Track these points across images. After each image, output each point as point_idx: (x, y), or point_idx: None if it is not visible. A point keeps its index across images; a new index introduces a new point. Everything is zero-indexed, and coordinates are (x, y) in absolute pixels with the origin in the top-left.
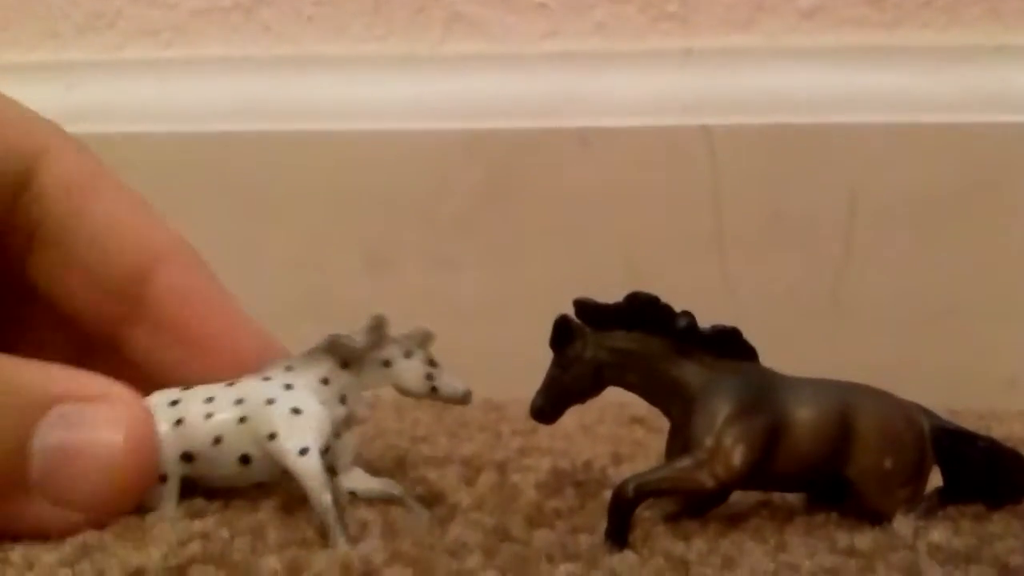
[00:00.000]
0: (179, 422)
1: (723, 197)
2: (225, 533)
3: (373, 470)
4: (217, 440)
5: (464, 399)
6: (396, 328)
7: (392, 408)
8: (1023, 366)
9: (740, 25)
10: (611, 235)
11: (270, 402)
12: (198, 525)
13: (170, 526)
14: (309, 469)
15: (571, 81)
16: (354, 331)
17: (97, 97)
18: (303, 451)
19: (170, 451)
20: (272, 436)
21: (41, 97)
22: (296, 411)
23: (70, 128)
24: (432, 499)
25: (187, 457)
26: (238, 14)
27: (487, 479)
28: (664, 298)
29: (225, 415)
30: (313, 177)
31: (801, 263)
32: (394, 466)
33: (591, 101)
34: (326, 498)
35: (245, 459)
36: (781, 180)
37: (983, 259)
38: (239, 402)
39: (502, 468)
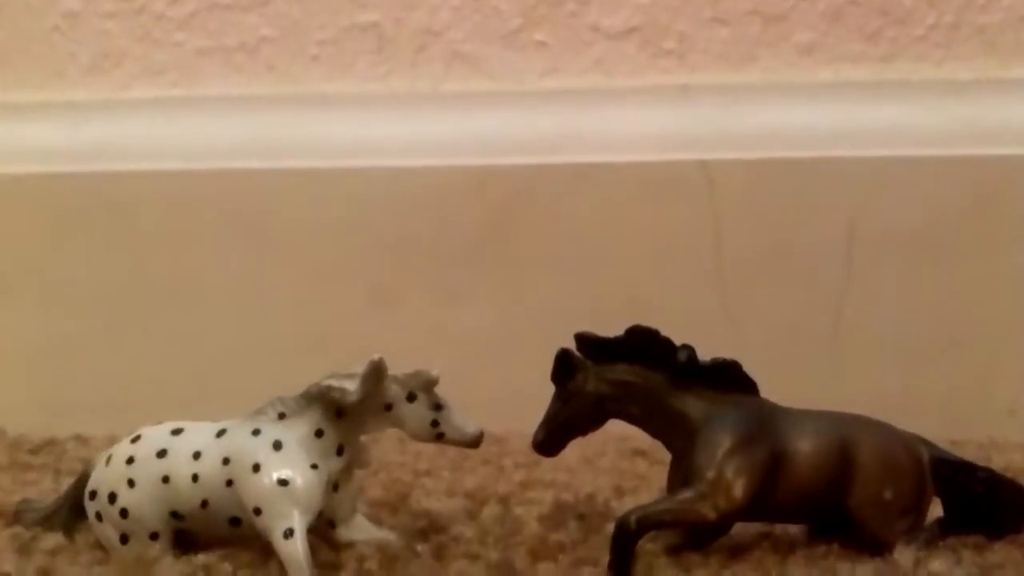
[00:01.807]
0: (166, 479)
1: (723, 230)
2: (228, 567)
3: (376, 504)
4: (204, 503)
5: (474, 442)
6: (400, 362)
7: (395, 441)
8: (1022, 396)
9: (737, 61)
10: (612, 268)
11: (256, 469)
12: (201, 559)
13: (172, 560)
14: (292, 554)
15: (571, 118)
16: (352, 370)
17: (103, 136)
18: (287, 533)
19: (158, 509)
20: (257, 511)
21: (48, 136)
22: (282, 483)
23: (77, 166)
24: (435, 532)
25: (176, 515)
26: (242, 54)
27: (490, 512)
28: (665, 331)
29: (211, 477)
30: (318, 214)
31: (801, 295)
32: (397, 500)
33: (591, 137)
34: None
35: (235, 521)
36: (780, 213)
37: (981, 290)
38: (226, 462)
39: (505, 501)
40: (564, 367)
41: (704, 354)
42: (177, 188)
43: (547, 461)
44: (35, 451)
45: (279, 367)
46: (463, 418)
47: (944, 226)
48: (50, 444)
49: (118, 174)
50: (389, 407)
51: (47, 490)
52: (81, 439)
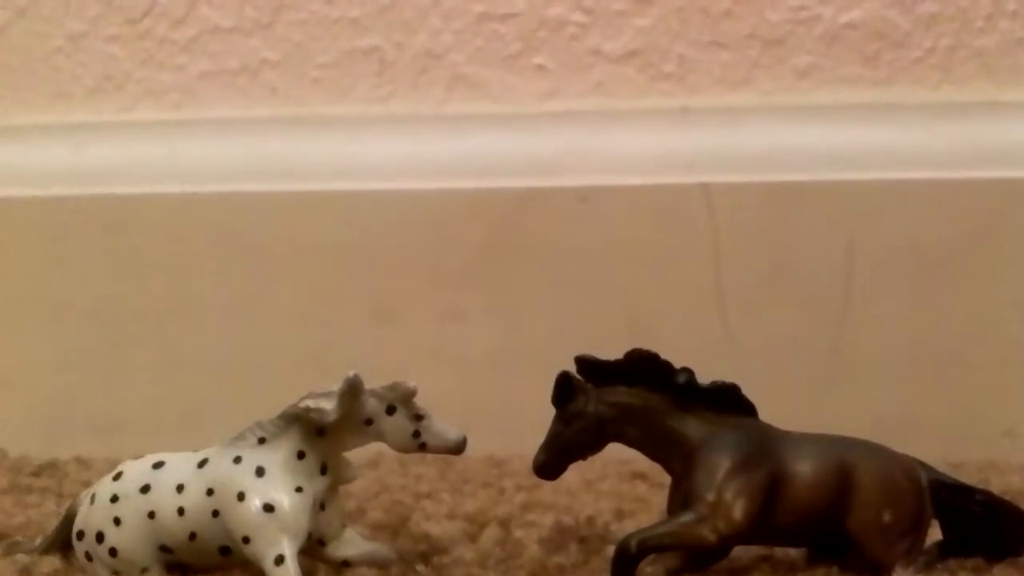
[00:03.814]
0: (152, 515)
1: (722, 252)
2: None
3: (376, 527)
4: (193, 536)
5: (457, 448)
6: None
7: (395, 464)
8: (1021, 417)
9: (736, 84)
10: (612, 290)
11: (241, 498)
12: None
13: None
14: None
15: (571, 140)
16: (329, 388)
17: (106, 158)
18: (278, 560)
19: (147, 545)
20: (246, 540)
21: (50, 158)
22: (268, 508)
23: (79, 189)
24: (435, 555)
25: (165, 549)
26: (245, 76)
27: (490, 535)
28: (665, 352)
29: (197, 509)
30: (319, 235)
31: (800, 316)
32: (398, 522)
33: (591, 159)
34: None
35: (225, 551)
36: (779, 235)
37: (980, 311)
38: (210, 493)
39: (505, 524)
40: (565, 390)
41: (704, 376)
42: (179, 210)
43: (547, 484)
44: (36, 473)
45: (280, 387)
46: (444, 426)
47: (942, 248)
48: (51, 466)
49: (120, 196)
50: (369, 422)
51: (49, 513)
52: (82, 461)
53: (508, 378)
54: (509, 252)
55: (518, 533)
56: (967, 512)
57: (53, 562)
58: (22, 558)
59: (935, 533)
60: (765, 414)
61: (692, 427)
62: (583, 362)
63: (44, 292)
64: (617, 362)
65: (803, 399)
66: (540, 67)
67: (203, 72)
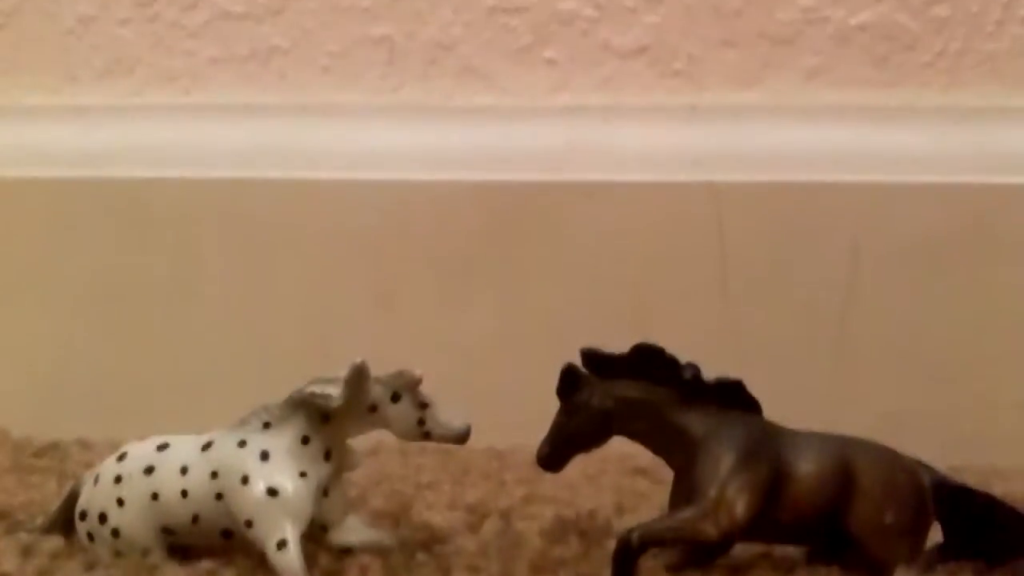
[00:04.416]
0: (155, 496)
1: (728, 249)
2: (231, 573)
3: (377, 516)
4: (195, 518)
5: (461, 438)
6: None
7: (396, 453)
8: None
9: (745, 83)
10: (618, 284)
11: (245, 481)
12: (204, 565)
13: (176, 566)
14: (287, 566)
15: (579, 134)
16: (335, 374)
17: (114, 141)
18: (280, 544)
19: (149, 526)
20: (249, 523)
21: (59, 140)
22: (272, 492)
23: (88, 171)
24: (436, 545)
25: (168, 531)
26: (255, 63)
27: (491, 526)
28: (670, 347)
29: (200, 492)
30: (326, 222)
31: (804, 314)
32: (399, 511)
33: (598, 154)
34: None
35: (227, 534)
36: (785, 234)
37: (983, 314)
38: (214, 475)
39: (506, 515)
40: (570, 382)
41: (709, 372)
42: (186, 194)
43: (548, 477)
44: (39, 454)
45: (284, 372)
46: (449, 415)
47: (947, 250)
48: (53, 447)
49: (128, 179)
50: (374, 409)
51: (51, 493)
52: (84, 443)
53: (512, 370)
54: (515, 244)
55: (519, 525)
56: (968, 515)
57: (55, 542)
58: (24, 537)
59: (936, 536)
60: (768, 410)
61: (696, 422)
62: (589, 355)
63: (49, 273)
64: (623, 355)
65: (806, 396)
66: (550, 61)
67: (213, 58)
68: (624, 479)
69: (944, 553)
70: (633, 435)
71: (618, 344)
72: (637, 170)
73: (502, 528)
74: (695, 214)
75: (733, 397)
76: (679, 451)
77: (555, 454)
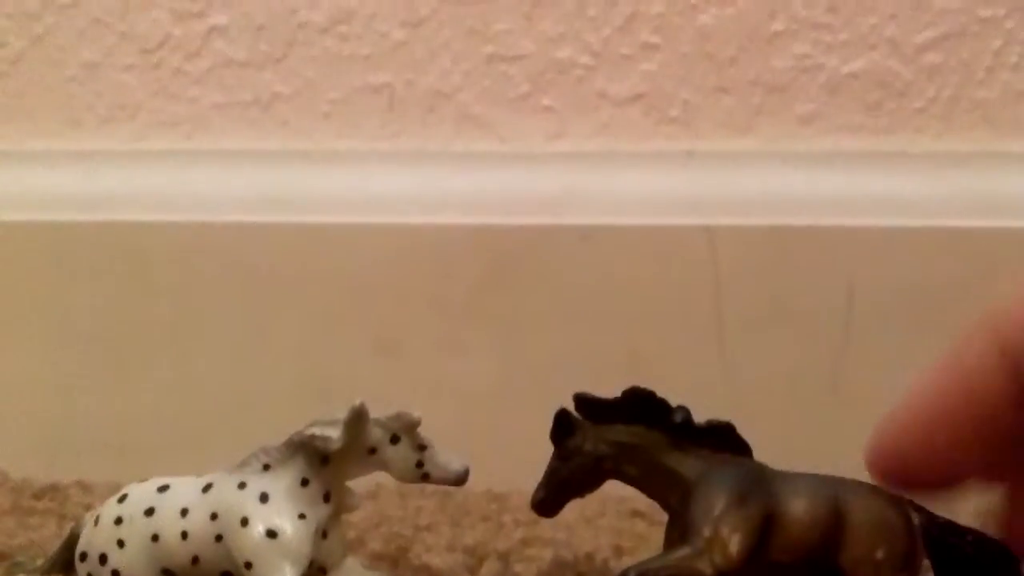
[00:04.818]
0: (155, 538)
1: (724, 293)
2: None
3: (375, 558)
4: (195, 560)
5: (459, 479)
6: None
7: (395, 495)
8: None
9: (740, 129)
10: (614, 327)
11: (244, 523)
12: None
13: None
14: None
15: (576, 180)
16: (334, 416)
17: (116, 185)
18: None
19: (149, 568)
20: (248, 565)
21: (61, 184)
22: (272, 534)
23: (89, 215)
24: None
25: (168, 572)
26: (257, 109)
27: (490, 568)
28: (665, 388)
29: (201, 534)
30: (325, 266)
31: (800, 356)
32: (397, 554)
33: (595, 199)
34: None
35: (227, 575)
36: (780, 276)
37: None
38: (214, 517)
39: (505, 557)
40: (563, 427)
41: (703, 413)
42: (187, 238)
43: (547, 519)
44: (38, 496)
45: (284, 414)
46: (448, 456)
47: (941, 292)
48: (53, 489)
49: (129, 224)
50: (373, 451)
51: (51, 535)
52: (84, 485)
53: (508, 412)
54: (511, 287)
55: (517, 567)
56: (958, 551)
57: None
58: None
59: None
60: (763, 451)
61: (688, 465)
62: (581, 399)
63: (50, 316)
64: (615, 400)
65: (802, 438)
66: (547, 108)
67: (215, 104)
68: (622, 521)
69: None
70: (627, 479)
71: (615, 385)
72: (634, 214)
73: (501, 570)
74: (691, 258)
75: (724, 440)
76: (673, 492)
77: (550, 499)
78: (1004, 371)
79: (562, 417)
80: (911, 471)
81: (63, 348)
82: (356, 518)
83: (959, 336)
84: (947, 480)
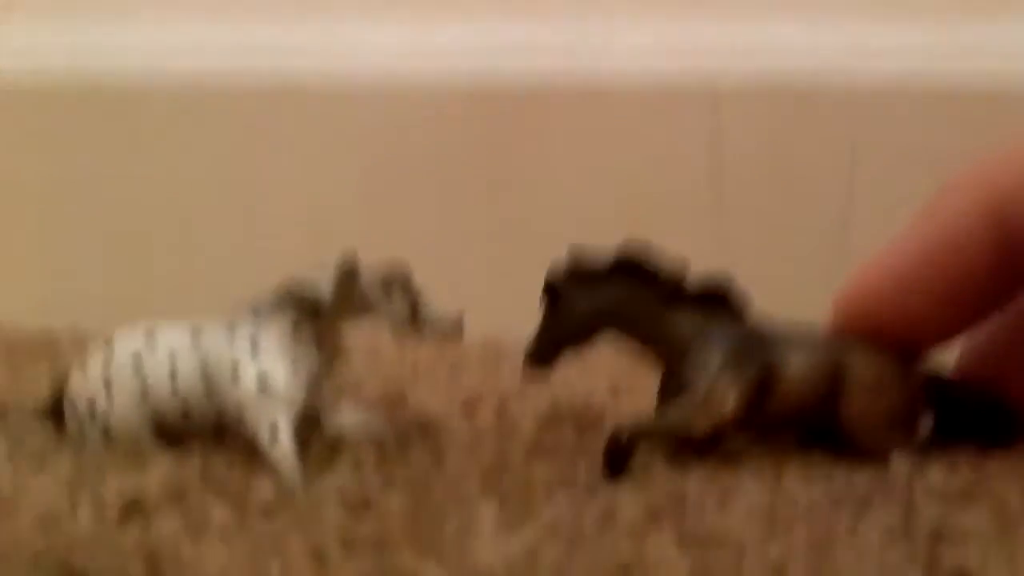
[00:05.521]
0: (144, 383)
1: (725, 146)
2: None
3: (371, 404)
4: (185, 405)
5: (454, 330)
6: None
7: (391, 345)
8: None
9: None
10: (610, 184)
11: (235, 368)
12: (196, 450)
13: (167, 452)
14: (279, 455)
15: (577, 27)
16: (326, 267)
17: (106, 37)
18: (272, 434)
19: (138, 414)
20: (239, 410)
21: (53, 35)
22: (263, 382)
23: (78, 66)
24: (432, 430)
25: (157, 417)
26: None
27: (487, 411)
28: (660, 247)
29: (190, 380)
30: (317, 118)
31: (801, 215)
32: (394, 399)
33: (594, 48)
34: (297, 481)
35: (218, 421)
36: (784, 128)
37: None
38: (204, 363)
39: (502, 401)
40: (555, 282)
41: (698, 271)
42: (173, 92)
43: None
44: (31, 346)
45: (275, 267)
46: (441, 309)
47: (947, 146)
48: (47, 341)
49: (122, 73)
50: (364, 301)
51: (42, 385)
52: (77, 337)
53: (504, 267)
54: (508, 142)
55: (514, 409)
56: (961, 406)
57: (45, 432)
58: (15, 429)
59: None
60: (761, 311)
61: (684, 322)
62: (575, 255)
63: (41, 169)
64: (609, 256)
65: (805, 299)
66: None
67: None
68: (619, 361)
69: (936, 442)
70: (619, 336)
71: (610, 240)
72: (635, 62)
73: (497, 413)
74: (693, 107)
75: (721, 296)
76: (666, 352)
77: (543, 357)
78: (987, 232)
79: (554, 272)
80: (875, 323)
81: (52, 205)
82: (352, 367)
83: (940, 191)
84: (906, 339)
